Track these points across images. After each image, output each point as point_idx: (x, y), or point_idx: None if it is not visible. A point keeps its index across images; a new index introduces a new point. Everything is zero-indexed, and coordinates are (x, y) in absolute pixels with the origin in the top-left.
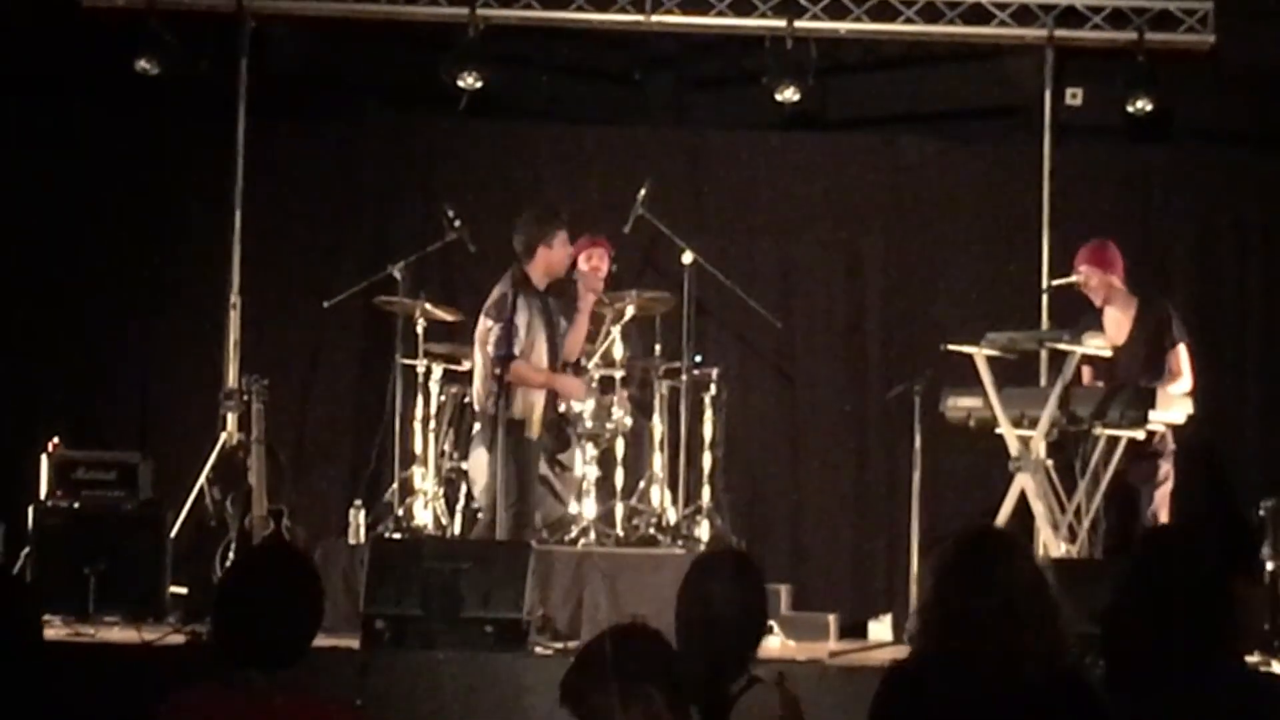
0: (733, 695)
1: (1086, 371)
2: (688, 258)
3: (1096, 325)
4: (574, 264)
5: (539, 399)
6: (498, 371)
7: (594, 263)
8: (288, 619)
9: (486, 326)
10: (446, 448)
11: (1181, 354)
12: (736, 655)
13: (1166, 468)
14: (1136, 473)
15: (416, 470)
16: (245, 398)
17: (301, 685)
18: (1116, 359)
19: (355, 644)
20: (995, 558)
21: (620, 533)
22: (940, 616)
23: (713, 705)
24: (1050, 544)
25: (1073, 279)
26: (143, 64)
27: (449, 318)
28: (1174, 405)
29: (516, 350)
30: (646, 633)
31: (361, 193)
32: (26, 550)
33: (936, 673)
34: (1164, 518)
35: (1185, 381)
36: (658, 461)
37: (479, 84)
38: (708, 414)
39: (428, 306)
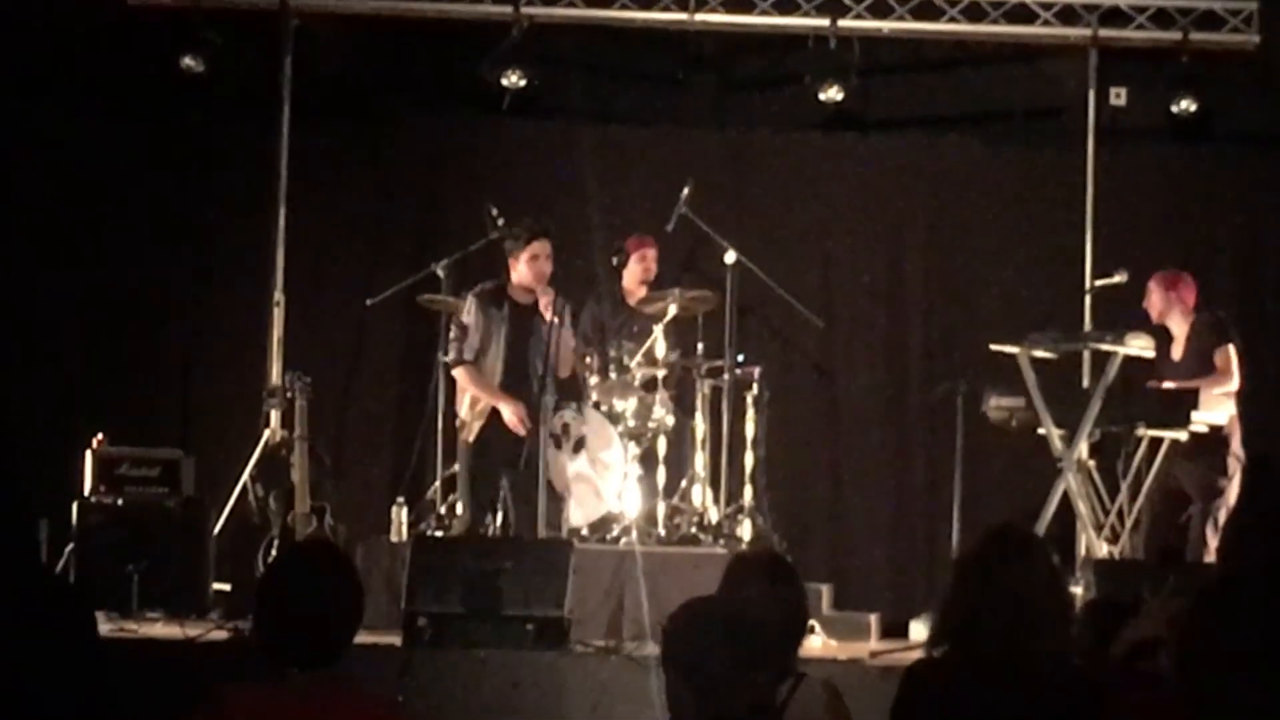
0: (783, 698)
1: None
2: (730, 257)
3: (1143, 327)
4: (623, 268)
5: (479, 405)
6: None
7: (646, 263)
8: (328, 617)
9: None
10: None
11: (1230, 353)
12: (778, 655)
13: (1225, 484)
14: (1191, 481)
15: (458, 468)
16: (288, 395)
17: (343, 682)
18: (1180, 371)
19: (397, 641)
20: (1012, 557)
21: (662, 531)
22: (958, 615)
23: (758, 707)
24: (1093, 545)
25: (1116, 279)
26: (187, 62)
27: (457, 330)
28: (1216, 406)
29: (469, 355)
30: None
31: (405, 191)
32: (70, 546)
33: (955, 672)
34: (1213, 541)
35: (1232, 381)
36: (699, 461)
37: (522, 83)
38: (749, 413)
39: None
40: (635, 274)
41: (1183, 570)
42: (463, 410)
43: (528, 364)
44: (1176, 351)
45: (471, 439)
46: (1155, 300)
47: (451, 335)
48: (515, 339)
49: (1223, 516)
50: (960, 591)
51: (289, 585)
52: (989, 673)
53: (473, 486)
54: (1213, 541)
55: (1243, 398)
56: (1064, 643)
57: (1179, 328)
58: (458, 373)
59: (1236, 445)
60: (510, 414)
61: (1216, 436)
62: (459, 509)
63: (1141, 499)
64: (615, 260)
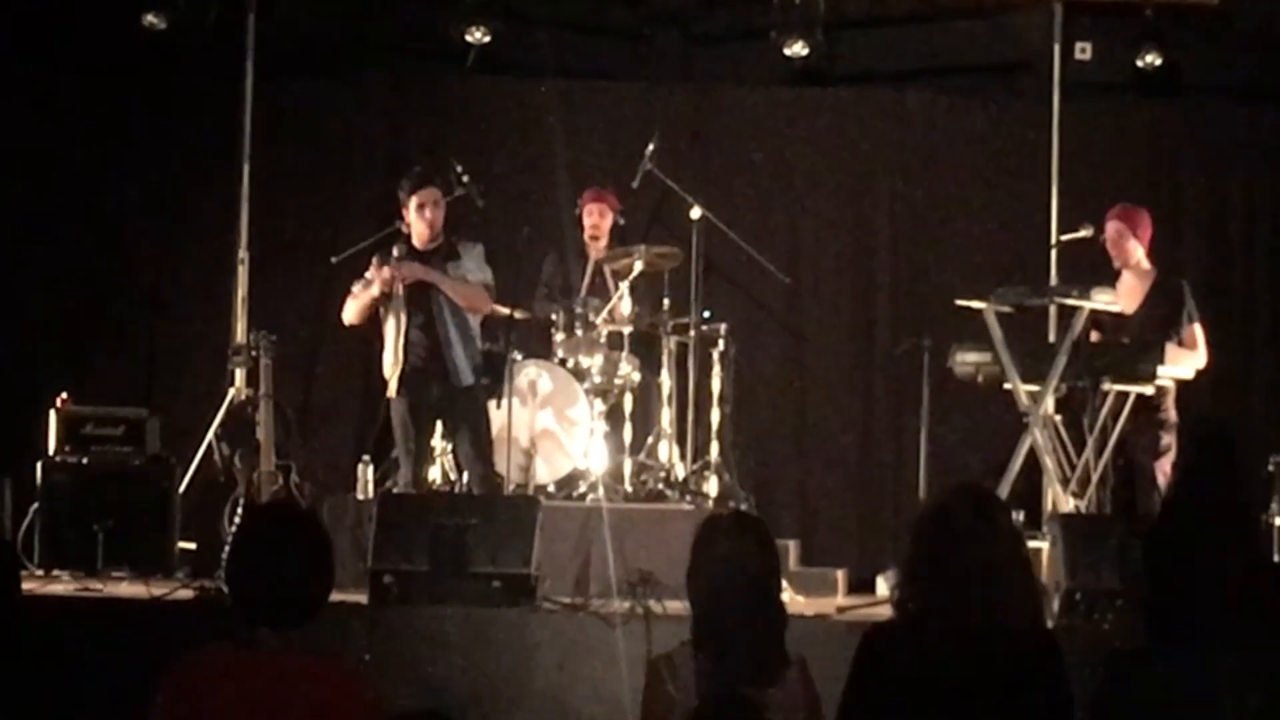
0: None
1: (1094, 336)
2: (696, 213)
3: (1109, 281)
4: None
5: (392, 356)
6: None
7: (593, 218)
8: (299, 579)
9: None
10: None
11: (1197, 331)
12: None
13: (1168, 439)
14: (1136, 440)
15: None
16: (253, 353)
17: (313, 644)
18: (1126, 328)
19: (363, 599)
20: (974, 516)
21: (628, 488)
22: (920, 575)
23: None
24: (1059, 500)
25: (1082, 234)
26: (150, 19)
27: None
28: (1183, 361)
29: (356, 289)
30: None
31: (369, 148)
32: (35, 506)
33: (914, 635)
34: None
35: (1201, 358)
36: (666, 417)
37: (487, 39)
38: (716, 369)
39: None
40: (585, 229)
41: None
42: (386, 368)
43: (428, 310)
44: (1129, 303)
45: (392, 394)
46: (1116, 242)
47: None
48: (381, 256)
49: (1167, 467)
50: (919, 553)
51: (258, 548)
52: (949, 635)
53: (404, 441)
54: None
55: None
56: (1026, 602)
57: (1134, 275)
58: (345, 312)
59: (1170, 403)
60: (378, 281)
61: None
62: (400, 468)
63: (1107, 453)
64: (577, 213)
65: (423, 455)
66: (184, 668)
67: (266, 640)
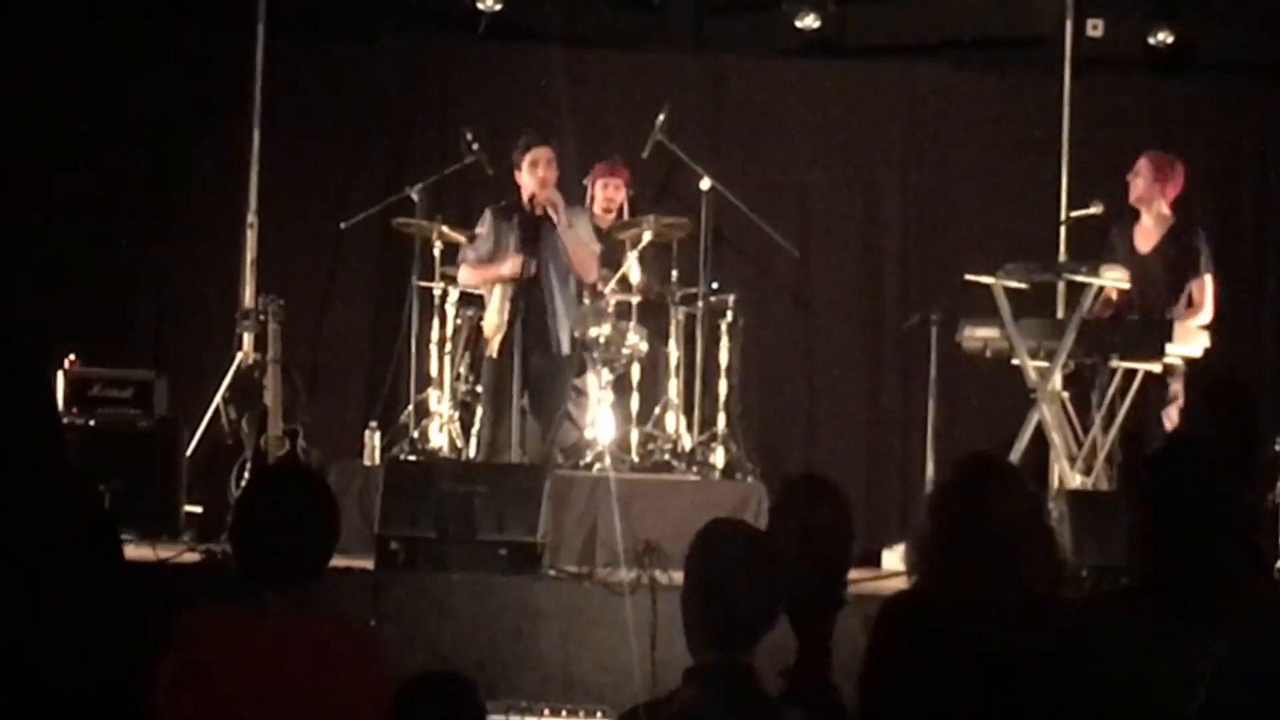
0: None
1: (1109, 304)
2: (705, 184)
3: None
4: (590, 196)
5: (496, 316)
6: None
7: (608, 192)
8: (304, 539)
9: None
10: (462, 370)
11: (1207, 285)
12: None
13: (1176, 387)
14: (1146, 419)
15: (432, 393)
16: (261, 318)
17: (316, 604)
18: (1137, 279)
19: (369, 565)
20: (990, 487)
21: (635, 458)
22: (937, 546)
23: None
24: (1066, 475)
25: (1092, 210)
26: None
27: (466, 240)
28: (1191, 338)
29: (471, 256)
30: None
31: (379, 114)
32: None
33: (933, 606)
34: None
35: (1206, 314)
36: (673, 387)
37: (498, 7)
38: (724, 341)
39: (445, 229)
40: (599, 201)
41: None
42: (487, 327)
43: (540, 273)
44: (1144, 243)
45: (493, 354)
46: (1141, 182)
47: (461, 248)
48: (526, 249)
49: (1167, 414)
50: (938, 524)
51: (264, 508)
52: (969, 606)
53: (492, 402)
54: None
55: (1215, 329)
56: (1047, 572)
57: (1152, 219)
58: (461, 272)
59: (1178, 379)
60: (510, 268)
61: None
62: (472, 436)
63: (1115, 430)
64: (586, 183)
65: (503, 420)
66: (189, 629)
67: (272, 601)
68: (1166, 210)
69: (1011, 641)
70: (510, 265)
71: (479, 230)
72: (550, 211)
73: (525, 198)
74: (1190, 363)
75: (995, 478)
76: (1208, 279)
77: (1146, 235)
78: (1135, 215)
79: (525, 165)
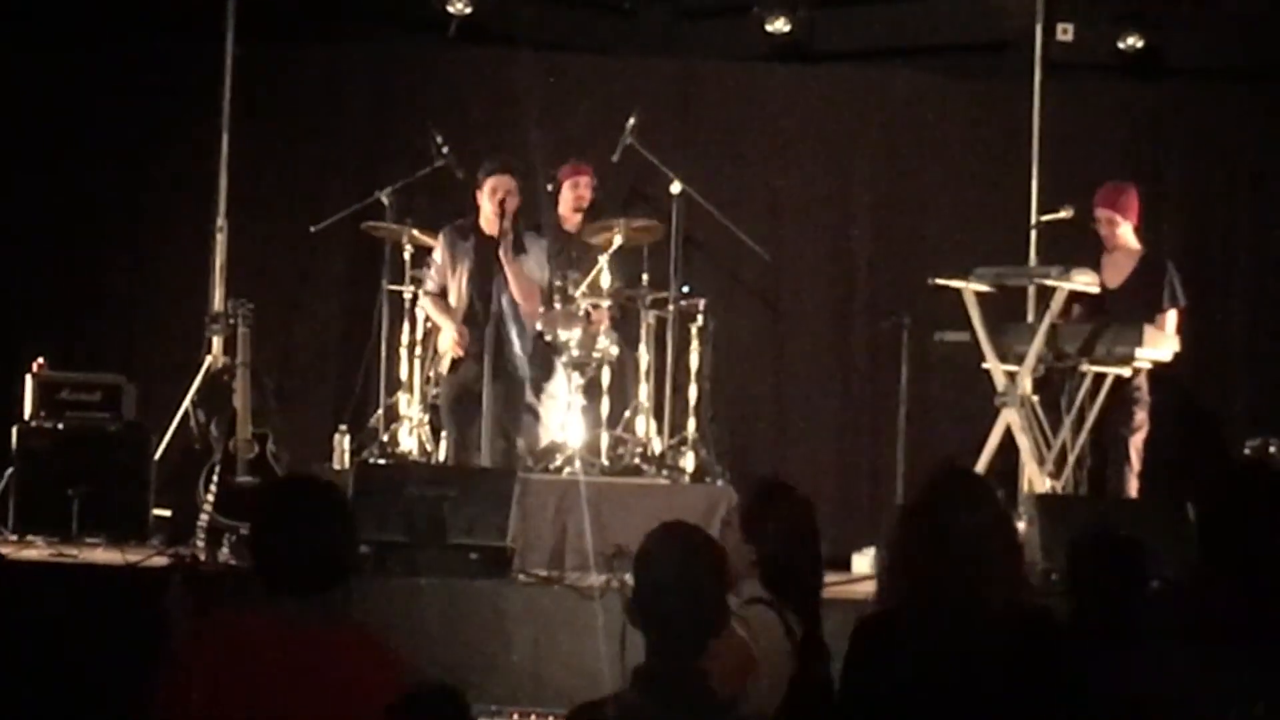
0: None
1: (1076, 311)
2: (676, 188)
3: (1089, 262)
4: (557, 195)
5: (450, 335)
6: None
7: (579, 190)
8: (327, 548)
9: None
10: (432, 374)
11: (1171, 318)
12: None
13: (1142, 416)
14: (1113, 419)
15: (402, 396)
16: (231, 321)
17: (335, 613)
18: (1109, 302)
19: None
20: (958, 499)
21: (605, 462)
22: (907, 560)
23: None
24: (1035, 479)
25: (1062, 214)
26: None
27: (435, 244)
28: (1161, 343)
29: (432, 287)
30: None
31: (349, 118)
32: (10, 470)
33: (906, 620)
34: (1137, 466)
35: (1171, 342)
36: (643, 391)
37: (469, 10)
38: (694, 344)
39: (414, 232)
40: (568, 201)
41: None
42: (442, 344)
43: (490, 297)
44: (1113, 278)
45: (443, 371)
46: (1105, 225)
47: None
48: (478, 272)
49: (1139, 442)
50: (907, 540)
51: (289, 516)
52: (942, 621)
53: (451, 422)
54: (1136, 465)
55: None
56: (1016, 585)
57: (1122, 254)
58: (422, 303)
59: (1144, 381)
60: (449, 335)
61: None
62: (442, 440)
63: (1084, 434)
64: (550, 187)
65: (468, 442)
66: (205, 636)
67: (287, 607)
68: (1134, 242)
69: (983, 656)
70: (450, 335)
71: (434, 257)
72: (501, 242)
73: (484, 223)
74: (1153, 388)
75: (962, 490)
76: (1172, 313)
77: (1116, 268)
78: (1103, 247)
79: (486, 190)
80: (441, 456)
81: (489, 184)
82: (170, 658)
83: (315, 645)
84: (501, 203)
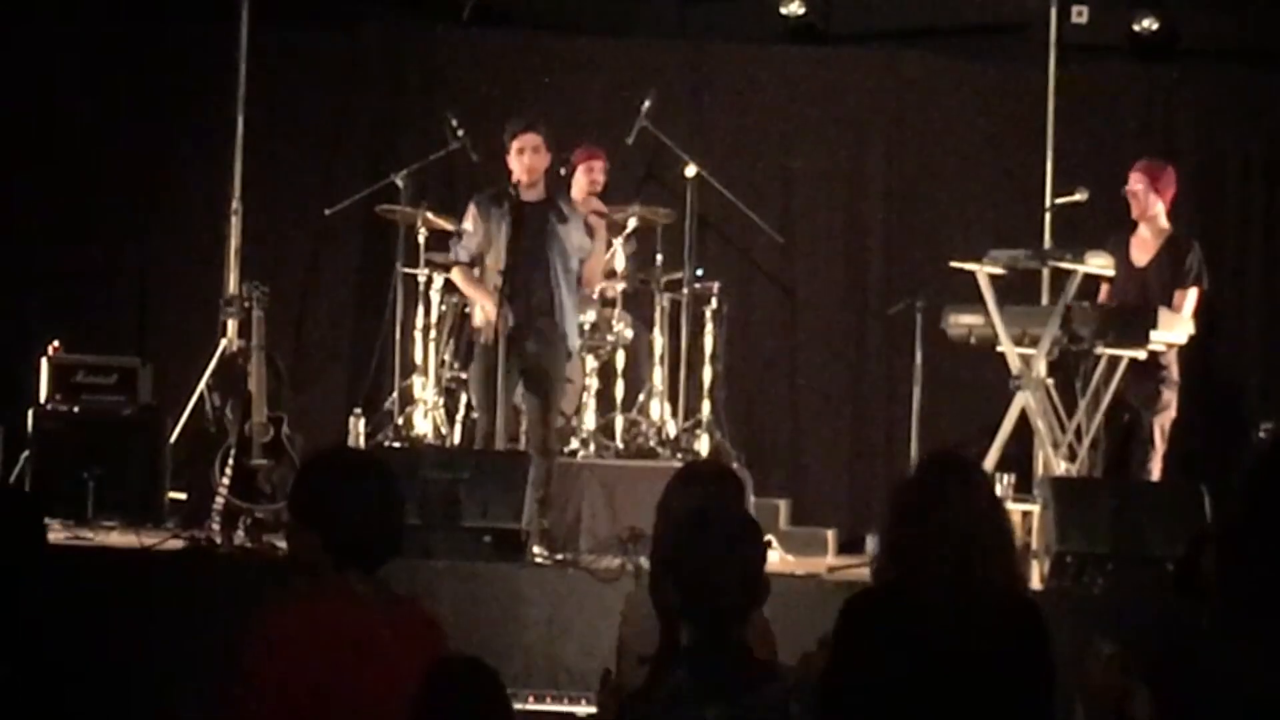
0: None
1: (1105, 290)
2: (690, 171)
3: (1100, 245)
4: (570, 178)
5: (491, 306)
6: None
7: (593, 175)
8: (392, 519)
9: None
10: (446, 357)
11: (1190, 296)
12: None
13: (1169, 396)
14: (1137, 393)
15: (416, 379)
16: (246, 304)
17: (388, 587)
18: (1135, 281)
19: None
20: (952, 485)
21: (619, 445)
22: (900, 543)
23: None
24: (1050, 462)
25: (1076, 197)
26: None
27: (450, 227)
28: (1176, 326)
29: (464, 256)
30: None
31: (364, 100)
32: (26, 454)
33: (895, 604)
34: (1161, 448)
35: (1187, 324)
36: (658, 374)
37: None
38: (708, 327)
39: (429, 215)
40: (582, 185)
41: (1129, 487)
42: (476, 316)
43: (537, 260)
44: (1140, 255)
45: (487, 342)
46: (1140, 196)
47: (451, 240)
48: (517, 235)
49: (1166, 424)
50: (899, 523)
51: (355, 489)
52: (930, 604)
53: (485, 394)
54: (1160, 447)
55: (1199, 329)
56: (1006, 571)
57: (1151, 231)
58: (453, 274)
59: (1173, 359)
60: (486, 312)
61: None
62: (461, 412)
63: (1099, 417)
64: (563, 171)
65: (494, 409)
66: (277, 618)
67: (352, 582)
68: (1165, 222)
69: (971, 638)
70: (487, 311)
71: (465, 225)
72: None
73: (519, 184)
74: (1183, 367)
75: (955, 474)
76: (1192, 291)
77: (1144, 247)
78: (1132, 226)
79: (514, 150)
80: (457, 439)
81: (515, 143)
82: (250, 639)
83: (390, 620)
84: (526, 159)
